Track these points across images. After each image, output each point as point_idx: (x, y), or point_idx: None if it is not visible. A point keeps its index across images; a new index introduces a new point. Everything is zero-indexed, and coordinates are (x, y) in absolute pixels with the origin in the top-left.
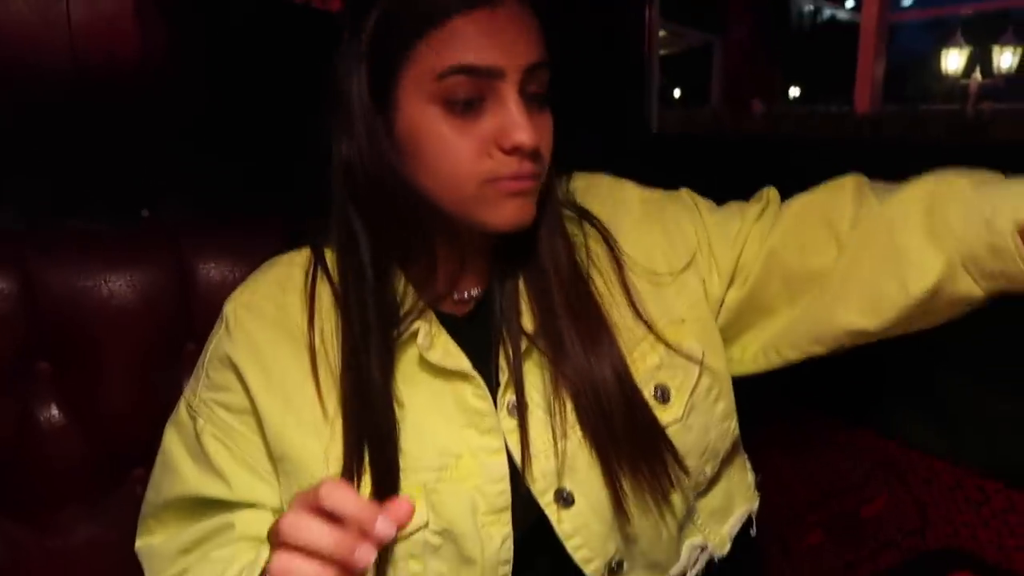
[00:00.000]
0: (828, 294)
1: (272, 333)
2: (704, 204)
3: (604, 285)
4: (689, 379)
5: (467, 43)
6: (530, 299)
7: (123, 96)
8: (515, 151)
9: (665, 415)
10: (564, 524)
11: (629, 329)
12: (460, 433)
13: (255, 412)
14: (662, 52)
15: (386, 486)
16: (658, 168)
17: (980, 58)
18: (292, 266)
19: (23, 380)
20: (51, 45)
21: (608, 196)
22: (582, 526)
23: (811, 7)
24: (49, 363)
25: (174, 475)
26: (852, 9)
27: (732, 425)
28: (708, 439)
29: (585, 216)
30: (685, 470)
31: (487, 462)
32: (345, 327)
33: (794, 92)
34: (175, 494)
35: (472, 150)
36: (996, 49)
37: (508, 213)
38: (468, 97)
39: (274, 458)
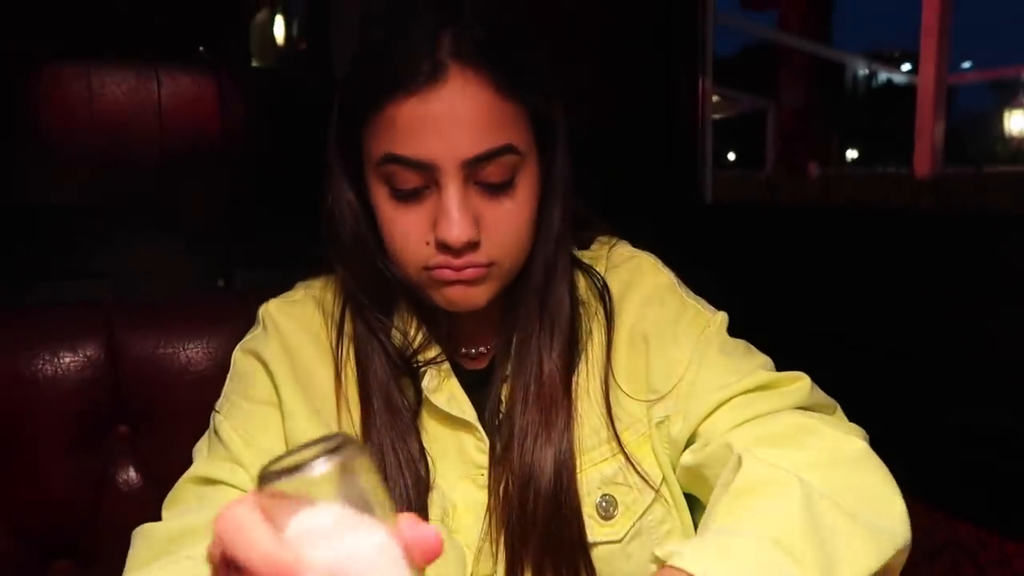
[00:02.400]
0: None
1: (303, 337)
2: (719, 340)
3: (586, 372)
4: (641, 501)
5: (399, 133)
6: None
7: (204, 173)
8: (443, 247)
9: (603, 532)
10: None
11: (593, 428)
12: (458, 483)
13: (279, 405)
14: (716, 116)
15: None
16: (711, 238)
17: None
18: (326, 289)
19: (103, 442)
20: (142, 127)
21: (636, 280)
22: None
23: (866, 71)
24: (128, 426)
25: (190, 467)
26: (908, 72)
27: None
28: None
29: (602, 293)
30: None
31: (480, 519)
32: (359, 363)
33: (851, 154)
34: (183, 480)
35: (413, 235)
36: None
37: (450, 298)
38: (412, 185)
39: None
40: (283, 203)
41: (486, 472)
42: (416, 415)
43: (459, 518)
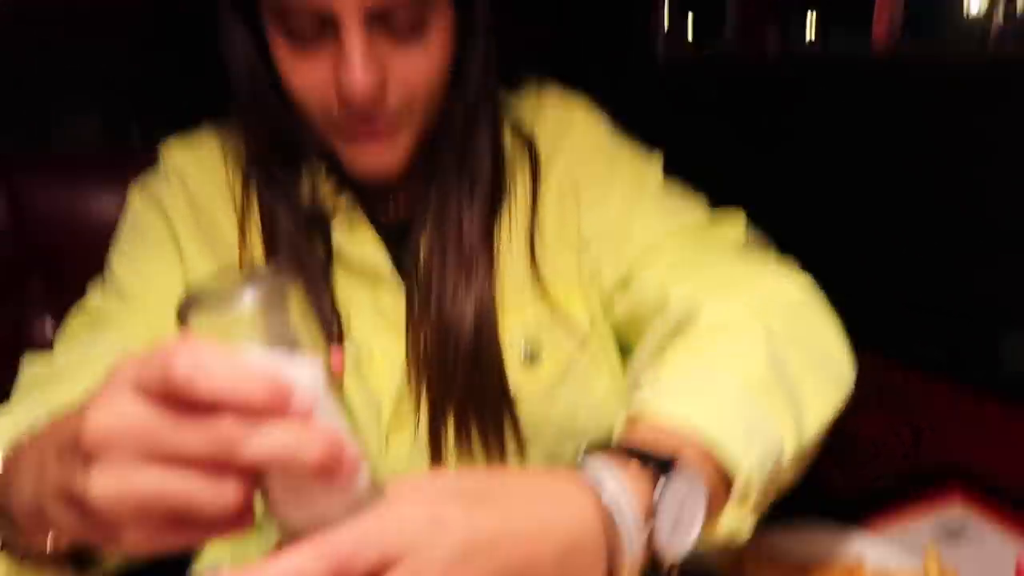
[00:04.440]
0: None
1: (208, 186)
2: (653, 183)
3: (509, 227)
4: (567, 346)
5: None
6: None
7: (113, 16)
8: (346, 100)
9: (528, 378)
10: (389, 457)
11: (517, 274)
12: (374, 334)
13: (178, 250)
14: None
15: None
16: (665, 98)
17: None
18: (232, 135)
19: (16, 296)
20: None
21: (566, 125)
22: (403, 466)
23: None
24: (42, 280)
25: (81, 300)
26: None
27: (612, 411)
28: (575, 421)
29: (529, 144)
30: (522, 446)
31: (397, 371)
32: (264, 216)
33: (810, 18)
34: (72, 316)
35: (314, 88)
36: None
37: (362, 168)
38: (309, 32)
39: None
40: (203, 52)
41: (403, 324)
42: (327, 271)
43: (375, 365)
